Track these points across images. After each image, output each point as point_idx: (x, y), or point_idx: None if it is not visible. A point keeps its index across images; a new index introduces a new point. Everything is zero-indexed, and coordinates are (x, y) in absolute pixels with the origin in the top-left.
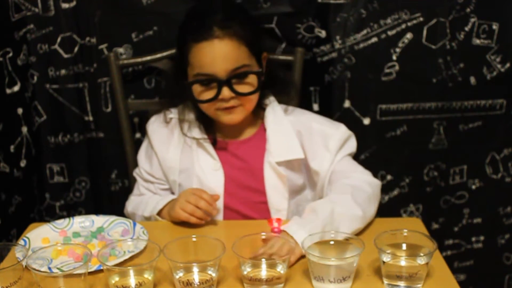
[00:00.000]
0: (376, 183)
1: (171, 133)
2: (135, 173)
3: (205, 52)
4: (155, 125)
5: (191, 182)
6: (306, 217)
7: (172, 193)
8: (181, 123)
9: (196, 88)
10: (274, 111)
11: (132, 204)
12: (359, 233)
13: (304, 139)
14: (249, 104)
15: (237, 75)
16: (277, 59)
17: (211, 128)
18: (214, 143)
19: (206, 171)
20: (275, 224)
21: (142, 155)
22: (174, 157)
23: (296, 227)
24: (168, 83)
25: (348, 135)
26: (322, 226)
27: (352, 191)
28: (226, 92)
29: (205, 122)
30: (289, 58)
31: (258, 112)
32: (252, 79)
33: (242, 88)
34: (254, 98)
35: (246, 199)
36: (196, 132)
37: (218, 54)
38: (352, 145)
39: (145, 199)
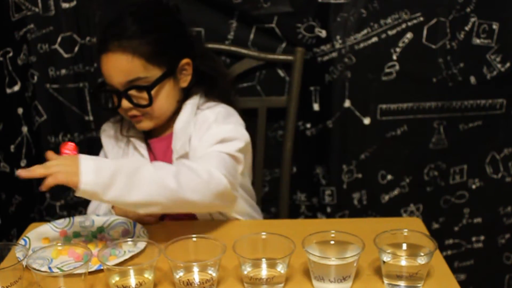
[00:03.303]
0: (218, 178)
1: (116, 132)
2: None
3: (103, 64)
4: (105, 124)
5: None
6: (116, 160)
7: None
8: (121, 122)
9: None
10: (187, 110)
11: (90, 207)
12: (359, 233)
13: (195, 131)
14: (156, 114)
15: (132, 87)
16: (277, 59)
17: None
18: (146, 141)
19: None
20: (67, 152)
21: (100, 155)
22: (117, 154)
23: (90, 160)
24: None
25: (229, 136)
26: (117, 170)
27: (182, 168)
28: (124, 103)
29: None
30: (289, 58)
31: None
32: (144, 92)
33: (141, 100)
34: (159, 108)
35: None
36: (133, 131)
37: (112, 67)
38: (229, 147)
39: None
